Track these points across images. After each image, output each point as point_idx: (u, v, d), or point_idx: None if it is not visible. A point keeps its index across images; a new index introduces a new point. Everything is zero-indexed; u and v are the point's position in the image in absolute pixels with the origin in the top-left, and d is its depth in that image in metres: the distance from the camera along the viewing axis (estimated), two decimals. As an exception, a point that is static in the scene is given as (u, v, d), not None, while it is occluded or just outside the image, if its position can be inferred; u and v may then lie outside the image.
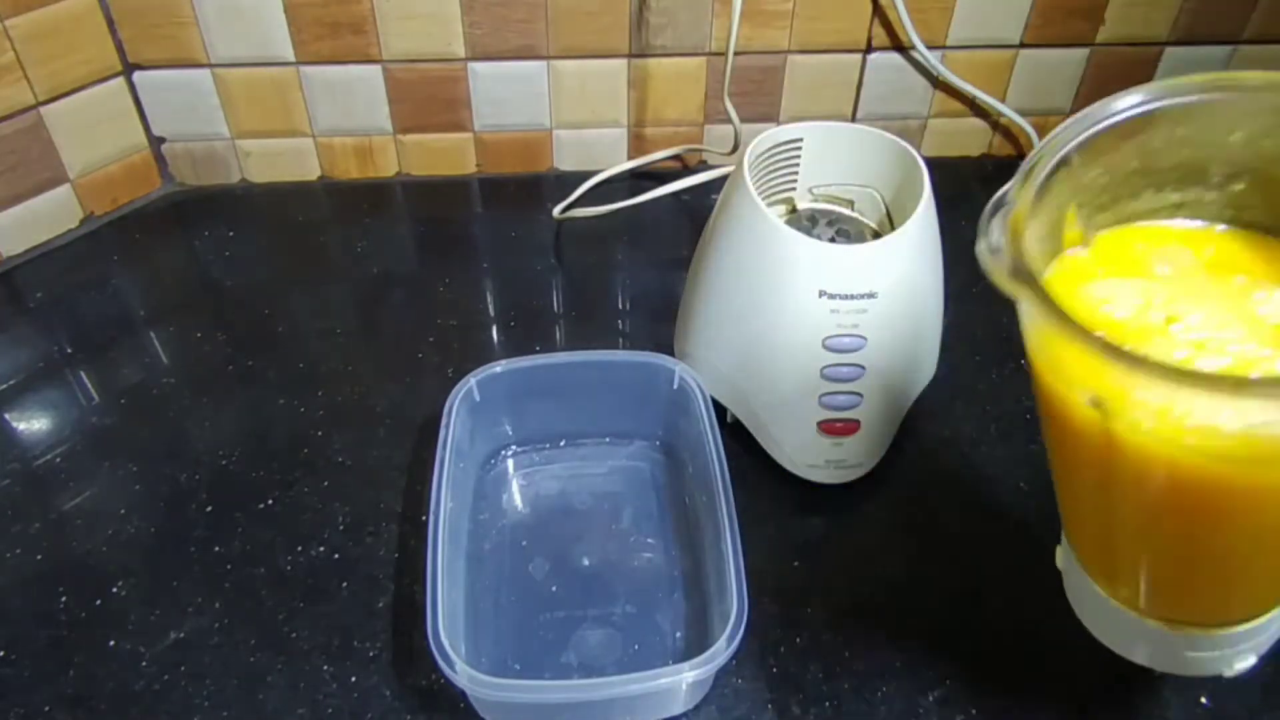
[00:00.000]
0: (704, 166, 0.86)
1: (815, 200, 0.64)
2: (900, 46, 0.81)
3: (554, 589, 0.54)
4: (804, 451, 0.58)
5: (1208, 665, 0.40)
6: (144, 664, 0.50)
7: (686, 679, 0.44)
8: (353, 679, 0.50)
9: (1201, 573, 0.40)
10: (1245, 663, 0.40)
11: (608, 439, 0.61)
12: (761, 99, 0.83)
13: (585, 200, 0.81)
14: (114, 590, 0.53)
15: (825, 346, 0.54)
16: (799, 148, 0.61)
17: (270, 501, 0.58)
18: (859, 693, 0.50)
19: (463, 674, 0.43)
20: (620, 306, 0.73)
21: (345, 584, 0.54)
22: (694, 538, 0.56)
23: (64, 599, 0.53)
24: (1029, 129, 0.86)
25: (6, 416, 0.63)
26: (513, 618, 0.53)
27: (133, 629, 0.51)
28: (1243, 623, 0.39)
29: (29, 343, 0.69)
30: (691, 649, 0.50)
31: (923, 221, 0.55)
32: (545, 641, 0.52)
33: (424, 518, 0.54)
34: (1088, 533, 0.42)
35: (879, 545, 0.57)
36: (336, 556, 0.55)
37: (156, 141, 0.80)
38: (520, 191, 0.84)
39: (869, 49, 0.81)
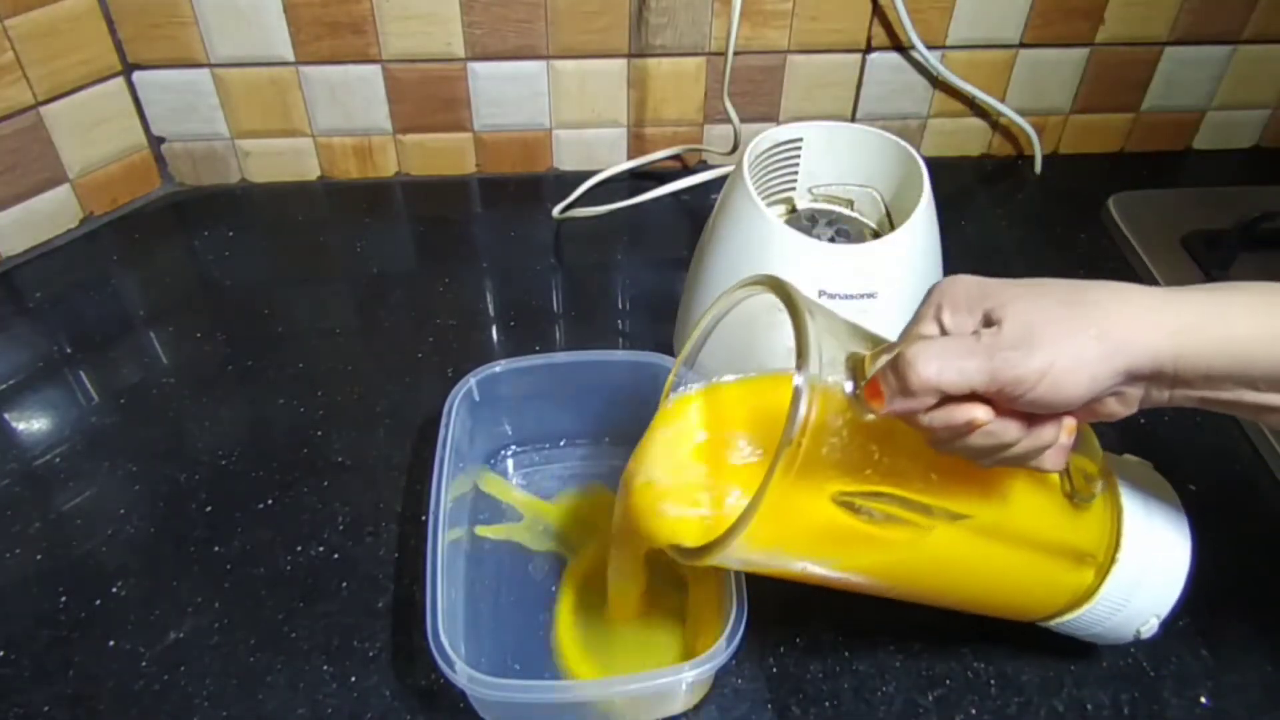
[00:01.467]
0: (704, 166, 0.86)
1: (815, 200, 0.64)
2: (900, 46, 0.81)
3: (554, 589, 0.54)
4: (803, 451, 0.58)
5: (1113, 636, 0.48)
6: (144, 664, 0.50)
7: (686, 679, 0.44)
8: (353, 679, 0.50)
9: (962, 601, 0.48)
10: (1148, 626, 0.47)
11: (607, 439, 0.61)
12: (761, 99, 0.83)
13: (585, 200, 0.81)
14: (114, 590, 0.53)
15: (824, 346, 0.54)
16: (799, 148, 0.61)
17: (270, 501, 0.58)
18: (859, 693, 0.50)
19: (463, 674, 0.43)
20: (620, 306, 0.73)
21: (345, 584, 0.54)
22: (694, 538, 0.55)
23: (64, 599, 0.53)
24: (1029, 129, 0.86)
25: (6, 416, 0.63)
26: (513, 618, 0.53)
27: (133, 629, 0.51)
28: (1067, 612, 0.47)
29: (29, 343, 0.69)
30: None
31: (922, 221, 0.55)
32: (545, 641, 0.52)
33: (424, 518, 0.54)
34: None
35: (879, 545, 0.57)
36: (336, 556, 0.55)
37: (156, 141, 0.80)
38: (520, 191, 0.84)
39: (869, 49, 0.81)
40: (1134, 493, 0.47)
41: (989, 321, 0.36)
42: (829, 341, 0.37)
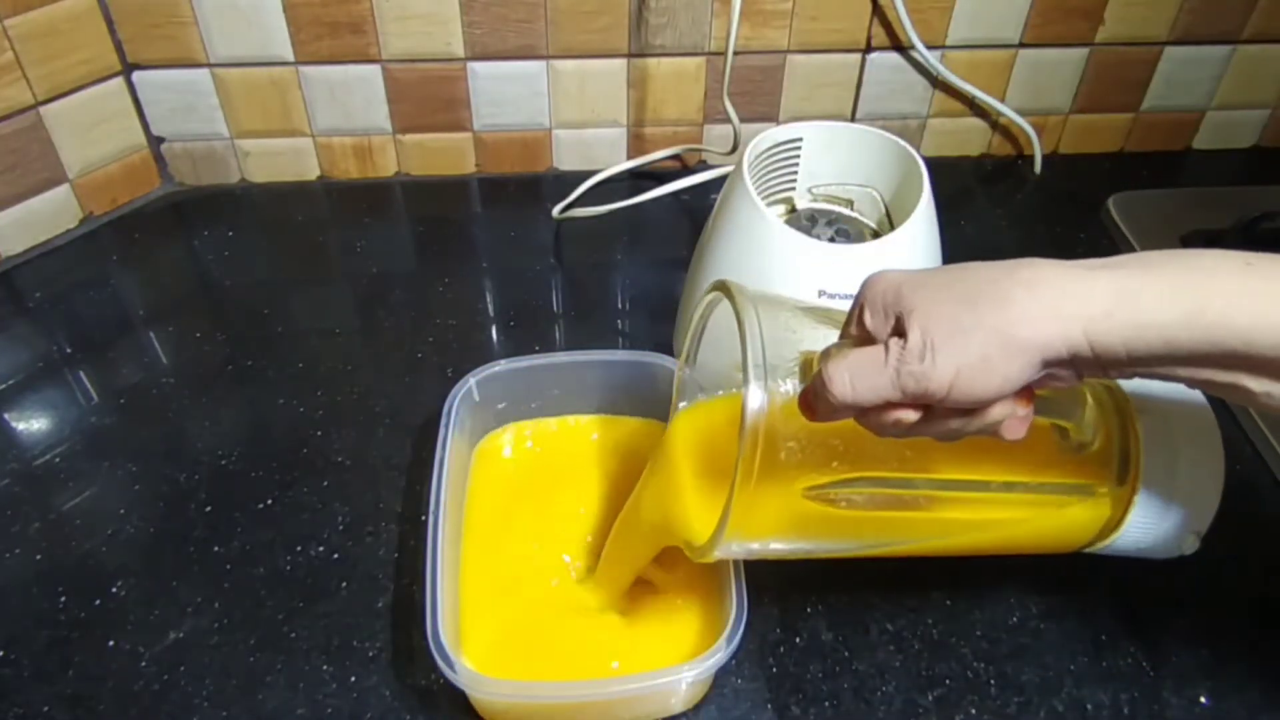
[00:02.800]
0: (703, 166, 0.86)
1: (815, 200, 0.64)
2: (900, 46, 0.81)
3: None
4: (803, 451, 0.58)
5: (1161, 552, 0.48)
6: (144, 664, 0.50)
7: (686, 679, 0.44)
8: (353, 679, 0.50)
9: (982, 550, 0.49)
10: (1189, 543, 0.47)
11: (607, 439, 0.61)
12: (761, 99, 0.83)
13: (585, 200, 0.81)
14: (114, 590, 0.53)
15: (825, 346, 0.54)
16: (798, 147, 0.61)
17: (270, 501, 0.58)
18: (859, 693, 0.50)
19: (463, 674, 0.43)
20: (620, 306, 0.73)
21: (345, 584, 0.54)
22: (694, 537, 0.55)
23: (64, 599, 0.53)
24: (1028, 129, 0.86)
25: (6, 416, 0.63)
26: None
27: (133, 629, 0.51)
28: (1098, 541, 0.47)
29: (29, 343, 0.69)
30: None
31: (922, 221, 0.55)
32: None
33: (423, 517, 0.54)
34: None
35: (879, 545, 0.57)
36: (336, 556, 0.55)
37: (156, 141, 0.80)
38: (520, 191, 0.84)
39: (868, 49, 0.81)
40: (1155, 414, 0.45)
41: (899, 328, 0.36)
42: (779, 347, 0.38)
